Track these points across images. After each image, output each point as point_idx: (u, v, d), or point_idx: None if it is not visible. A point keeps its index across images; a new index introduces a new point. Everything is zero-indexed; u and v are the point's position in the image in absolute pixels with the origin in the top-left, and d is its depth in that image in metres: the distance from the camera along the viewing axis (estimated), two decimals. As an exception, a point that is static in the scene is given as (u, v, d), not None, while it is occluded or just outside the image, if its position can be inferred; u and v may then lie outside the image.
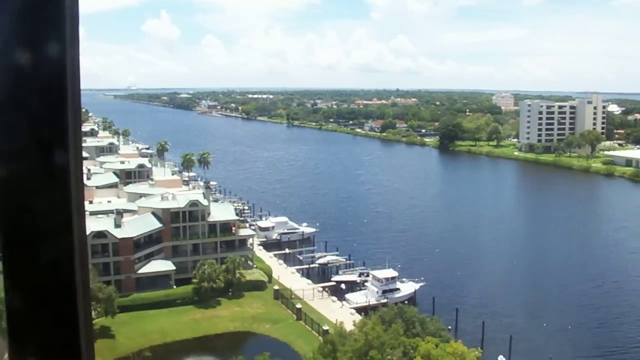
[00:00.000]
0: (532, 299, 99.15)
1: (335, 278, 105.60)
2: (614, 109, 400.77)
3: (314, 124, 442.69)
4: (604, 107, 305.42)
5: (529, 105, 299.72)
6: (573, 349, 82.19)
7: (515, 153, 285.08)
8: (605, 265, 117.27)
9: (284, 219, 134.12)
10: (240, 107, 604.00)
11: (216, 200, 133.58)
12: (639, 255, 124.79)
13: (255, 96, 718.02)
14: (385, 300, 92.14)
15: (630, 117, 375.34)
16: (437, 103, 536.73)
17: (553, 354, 76.42)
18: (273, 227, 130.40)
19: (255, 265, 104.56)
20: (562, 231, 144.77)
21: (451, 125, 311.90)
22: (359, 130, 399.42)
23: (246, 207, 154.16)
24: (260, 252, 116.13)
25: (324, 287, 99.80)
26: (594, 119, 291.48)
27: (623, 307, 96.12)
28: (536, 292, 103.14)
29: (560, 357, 77.11)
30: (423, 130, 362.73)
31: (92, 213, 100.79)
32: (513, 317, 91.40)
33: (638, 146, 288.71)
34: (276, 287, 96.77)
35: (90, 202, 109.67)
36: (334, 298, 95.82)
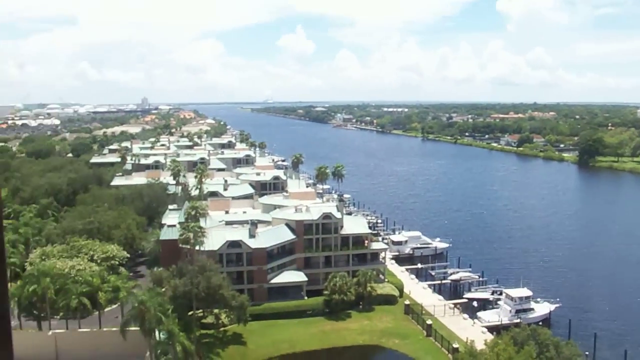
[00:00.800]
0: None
1: (468, 295, 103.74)
2: None
3: (449, 137, 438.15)
4: None
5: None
6: None
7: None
8: None
9: (417, 233, 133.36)
10: (374, 121, 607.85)
11: (349, 213, 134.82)
12: None
13: (390, 109, 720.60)
14: (518, 320, 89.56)
15: None
16: (577, 117, 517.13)
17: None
18: (406, 241, 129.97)
19: (386, 279, 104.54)
20: None
21: (591, 139, 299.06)
22: (494, 144, 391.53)
23: (379, 221, 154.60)
24: (392, 266, 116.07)
25: (455, 304, 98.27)
26: None
27: None
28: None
29: None
30: (561, 145, 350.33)
31: (228, 223, 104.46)
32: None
33: None
34: (407, 302, 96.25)
35: (227, 212, 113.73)
36: (465, 315, 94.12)
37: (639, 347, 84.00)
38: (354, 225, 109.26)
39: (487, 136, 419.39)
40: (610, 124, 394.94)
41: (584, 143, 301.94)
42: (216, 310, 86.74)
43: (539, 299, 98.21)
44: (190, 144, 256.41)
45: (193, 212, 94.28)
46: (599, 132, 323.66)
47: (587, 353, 77.12)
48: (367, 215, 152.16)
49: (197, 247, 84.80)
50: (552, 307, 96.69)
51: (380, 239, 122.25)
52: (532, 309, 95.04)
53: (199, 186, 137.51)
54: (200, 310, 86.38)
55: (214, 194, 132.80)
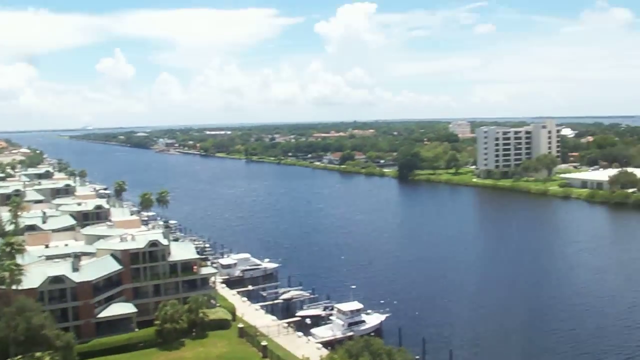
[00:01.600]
0: (500, 326, 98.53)
1: (300, 313, 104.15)
2: (568, 132, 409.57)
3: (272, 158, 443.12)
4: (557, 131, 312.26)
5: (486, 131, 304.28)
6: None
7: (474, 179, 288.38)
8: (572, 286, 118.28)
9: (246, 255, 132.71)
10: (198, 144, 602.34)
11: (176, 240, 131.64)
12: (607, 275, 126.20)
13: (213, 133, 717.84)
14: (351, 333, 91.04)
15: (583, 140, 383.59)
16: (395, 133, 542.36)
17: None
18: (235, 264, 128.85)
19: (218, 304, 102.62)
20: (526, 255, 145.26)
21: (409, 154, 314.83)
22: (317, 163, 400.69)
23: (207, 245, 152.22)
24: (223, 290, 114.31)
25: (289, 323, 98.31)
26: (549, 143, 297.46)
27: (591, 330, 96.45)
28: (504, 317, 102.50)
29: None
30: (382, 161, 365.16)
31: (49, 257, 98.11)
32: (480, 345, 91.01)
33: (592, 168, 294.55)
34: (240, 325, 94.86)
35: (47, 246, 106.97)
36: (300, 333, 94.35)
37: (462, 348, 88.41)
38: (182, 251, 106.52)
39: (309, 155, 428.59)
40: (426, 139, 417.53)
41: (403, 158, 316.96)
42: (38, 354, 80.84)
43: (369, 311, 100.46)
44: (2, 175, 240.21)
45: (8, 249, 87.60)
46: (416, 147, 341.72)
47: (417, 357, 79.83)
48: (195, 240, 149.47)
49: (14, 287, 78.80)
50: (383, 317, 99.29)
51: (209, 263, 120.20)
52: (364, 321, 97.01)
53: (14, 220, 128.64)
54: (19, 356, 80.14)
55: (31, 227, 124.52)
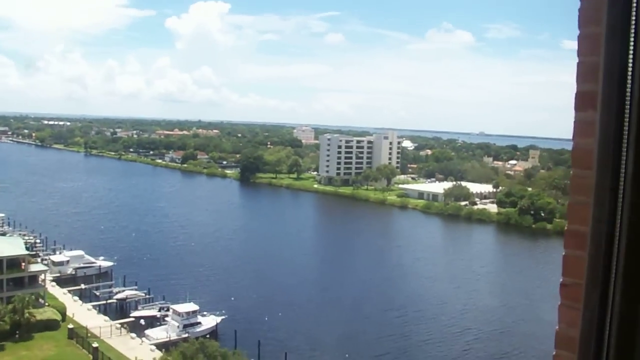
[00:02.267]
0: (336, 330, 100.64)
1: (134, 313, 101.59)
2: (408, 144, 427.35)
3: (113, 153, 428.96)
4: (399, 142, 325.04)
5: (329, 139, 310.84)
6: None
7: (315, 185, 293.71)
8: (407, 293, 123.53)
9: (80, 252, 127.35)
10: (34, 134, 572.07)
11: (4, 234, 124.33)
12: (436, 283, 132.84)
13: (52, 123, 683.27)
14: (186, 335, 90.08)
15: (422, 153, 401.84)
16: (239, 135, 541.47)
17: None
18: (68, 261, 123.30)
19: (47, 303, 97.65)
20: (364, 262, 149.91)
21: (252, 157, 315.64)
22: (159, 160, 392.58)
23: (38, 241, 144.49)
24: (53, 289, 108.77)
25: (122, 324, 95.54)
26: (390, 153, 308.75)
27: (424, 335, 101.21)
28: (340, 322, 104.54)
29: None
30: (224, 162, 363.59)
31: None
32: (316, 349, 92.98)
33: (429, 180, 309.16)
34: (71, 326, 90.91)
35: None
36: (133, 335, 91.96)
37: (297, 351, 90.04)
38: (9, 246, 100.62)
39: (152, 152, 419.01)
40: (269, 143, 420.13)
41: (246, 160, 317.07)
42: None
43: (205, 313, 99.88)
44: None
45: None
46: (260, 150, 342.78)
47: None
48: (25, 235, 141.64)
49: None
50: (219, 319, 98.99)
51: (39, 260, 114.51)
52: (200, 323, 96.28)
53: None
54: None
55: None
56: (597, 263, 2.72)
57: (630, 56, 2.60)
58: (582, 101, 3.23)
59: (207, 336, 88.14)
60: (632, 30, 2.59)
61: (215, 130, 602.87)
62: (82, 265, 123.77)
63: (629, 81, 2.58)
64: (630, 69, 2.57)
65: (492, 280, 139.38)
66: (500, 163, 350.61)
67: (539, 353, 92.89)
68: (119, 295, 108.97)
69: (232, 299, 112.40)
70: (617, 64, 2.63)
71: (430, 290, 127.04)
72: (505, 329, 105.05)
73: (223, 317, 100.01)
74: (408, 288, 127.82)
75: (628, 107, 2.59)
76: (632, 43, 2.58)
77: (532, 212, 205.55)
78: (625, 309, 2.59)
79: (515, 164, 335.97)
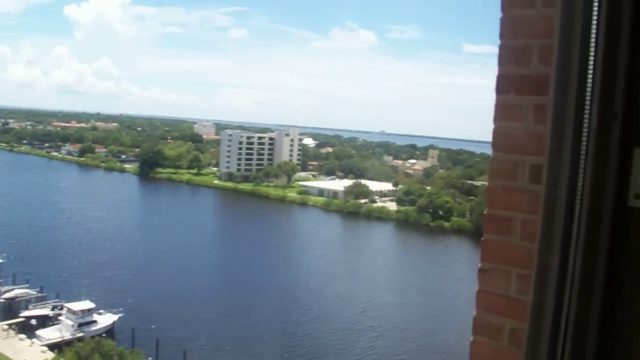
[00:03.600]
0: (237, 328, 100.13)
1: (24, 313, 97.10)
2: (309, 142, 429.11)
3: (4, 145, 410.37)
4: (300, 140, 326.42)
5: (230, 135, 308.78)
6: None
7: (215, 181, 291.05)
8: (309, 291, 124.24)
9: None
10: None
11: None
12: (337, 280, 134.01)
13: None
14: (81, 334, 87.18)
15: (322, 150, 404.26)
16: (139, 129, 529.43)
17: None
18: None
19: None
20: (265, 259, 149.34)
21: (152, 152, 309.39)
22: (55, 153, 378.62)
23: None
24: None
25: (10, 325, 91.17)
26: (291, 150, 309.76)
27: (327, 333, 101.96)
28: (242, 320, 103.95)
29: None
30: (123, 156, 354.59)
31: None
32: (217, 348, 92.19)
33: (329, 177, 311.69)
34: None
35: None
36: (23, 336, 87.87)
37: (196, 350, 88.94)
38: None
39: (47, 145, 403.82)
40: (170, 137, 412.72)
41: (145, 155, 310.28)
42: None
43: (102, 311, 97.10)
44: None
45: None
46: (160, 145, 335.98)
47: (150, 359, 78.65)
48: None
49: None
50: (116, 317, 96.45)
51: None
52: (95, 321, 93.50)
53: None
54: None
55: None
56: (552, 224, 2.65)
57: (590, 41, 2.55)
58: (503, 84, 3.22)
59: (104, 335, 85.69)
60: (589, 15, 2.55)
61: (114, 124, 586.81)
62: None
63: (587, 63, 2.55)
64: (591, 51, 2.53)
65: (392, 277, 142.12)
66: (400, 162, 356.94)
67: (439, 348, 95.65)
68: (8, 295, 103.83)
69: (130, 296, 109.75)
70: (577, 45, 2.59)
71: (331, 288, 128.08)
72: (407, 325, 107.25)
73: (120, 314, 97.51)
74: (309, 286, 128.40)
75: (589, 90, 2.54)
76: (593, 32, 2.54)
77: (430, 210, 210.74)
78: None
79: (414, 163, 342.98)
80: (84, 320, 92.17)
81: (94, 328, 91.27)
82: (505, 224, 3.09)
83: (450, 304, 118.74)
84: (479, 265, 3.22)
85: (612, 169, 2.45)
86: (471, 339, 3.22)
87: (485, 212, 3.24)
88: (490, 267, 3.20)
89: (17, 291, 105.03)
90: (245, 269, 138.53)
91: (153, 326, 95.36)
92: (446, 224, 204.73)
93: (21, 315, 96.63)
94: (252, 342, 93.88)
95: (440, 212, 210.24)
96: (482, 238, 3.22)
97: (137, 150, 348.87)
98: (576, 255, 2.50)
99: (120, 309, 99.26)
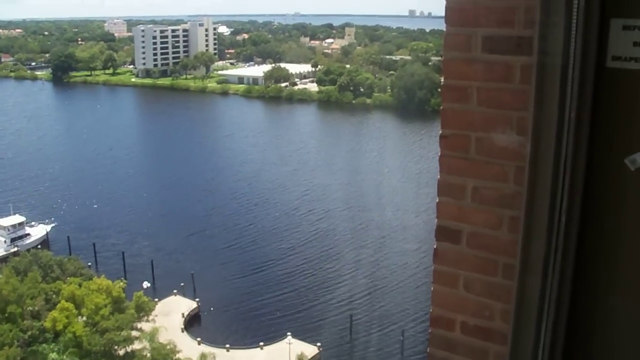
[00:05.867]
0: (176, 226, 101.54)
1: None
2: (224, 30, 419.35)
3: None
4: (214, 29, 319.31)
5: (143, 30, 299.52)
6: (208, 264, 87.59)
7: (133, 79, 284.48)
8: (245, 181, 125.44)
9: None
10: None
11: None
12: (274, 167, 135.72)
13: None
14: (15, 249, 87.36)
15: (239, 37, 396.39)
16: (46, 33, 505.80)
17: (194, 270, 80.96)
18: None
19: None
20: (194, 154, 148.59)
21: (63, 56, 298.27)
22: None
23: None
24: None
25: None
26: (207, 40, 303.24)
27: (270, 222, 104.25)
28: (180, 219, 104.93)
29: (201, 273, 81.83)
30: (33, 64, 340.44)
31: None
32: (151, 243, 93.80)
33: (248, 64, 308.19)
34: None
35: None
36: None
37: (133, 247, 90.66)
38: None
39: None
40: (80, 39, 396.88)
41: (56, 60, 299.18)
42: None
43: (33, 223, 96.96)
44: None
45: None
46: (70, 48, 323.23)
47: (89, 264, 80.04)
48: None
49: None
50: (48, 227, 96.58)
51: None
52: (29, 234, 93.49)
53: None
54: None
55: None
56: (548, 88, 2.94)
57: None
58: None
59: (39, 247, 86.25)
60: None
61: (18, 30, 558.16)
62: None
63: None
64: None
65: (325, 159, 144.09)
66: (317, 42, 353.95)
67: (379, 224, 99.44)
68: None
69: (61, 205, 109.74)
70: None
71: (266, 175, 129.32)
72: (346, 205, 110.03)
73: (53, 224, 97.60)
74: (244, 175, 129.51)
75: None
76: None
77: (351, 88, 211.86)
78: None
79: (332, 43, 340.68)
80: (16, 235, 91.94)
81: (27, 241, 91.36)
82: (463, 92, 3.34)
83: (386, 180, 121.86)
84: (440, 132, 3.46)
85: (594, 37, 2.77)
86: (437, 200, 3.51)
87: (442, 83, 3.46)
88: (451, 133, 3.43)
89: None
90: (174, 166, 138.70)
91: (86, 233, 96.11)
92: (368, 101, 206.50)
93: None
94: (194, 241, 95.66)
95: (362, 89, 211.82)
96: (441, 107, 3.44)
97: (47, 55, 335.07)
98: (570, 111, 2.83)
99: (52, 219, 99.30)
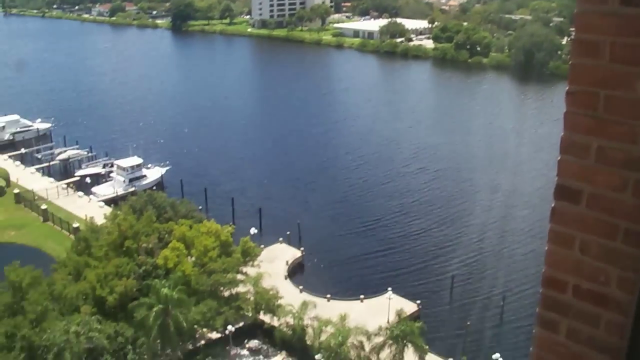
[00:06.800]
0: (288, 175, 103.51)
1: (79, 173, 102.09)
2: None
3: (35, 11, 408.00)
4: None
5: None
6: (315, 216, 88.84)
7: (249, 30, 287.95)
8: (357, 135, 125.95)
9: (15, 117, 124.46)
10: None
11: None
12: (389, 124, 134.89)
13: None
14: (133, 189, 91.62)
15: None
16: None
17: (301, 220, 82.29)
18: (3, 127, 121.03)
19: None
20: (310, 105, 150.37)
21: (182, 5, 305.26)
22: (86, 15, 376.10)
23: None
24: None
25: (68, 184, 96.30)
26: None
27: (381, 177, 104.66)
28: (293, 168, 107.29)
29: (307, 224, 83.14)
30: (154, 12, 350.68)
31: None
32: (261, 191, 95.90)
33: (364, 18, 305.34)
34: (16, 191, 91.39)
35: None
36: (80, 193, 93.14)
37: (243, 194, 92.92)
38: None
39: (77, 7, 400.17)
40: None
41: (176, 8, 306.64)
42: None
43: (150, 165, 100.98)
44: None
45: None
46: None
47: (200, 207, 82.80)
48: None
49: None
50: (164, 170, 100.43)
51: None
52: (145, 176, 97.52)
53: None
54: None
55: None
56: None
57: None
58: None
59: (154, 188, 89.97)
60: None
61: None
62: (19, 129, 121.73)
63: None
64: None
65: (439, 118, 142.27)
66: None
67: (496, 184, 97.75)
68: (61, 156, 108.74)
69: (175, 149, 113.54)
70: None
71: (382, 131, 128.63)
72: (458, 166, 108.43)
73: (167, 167, 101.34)
74: (360, 130, 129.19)
75: None
76: None
77: (468, 46, 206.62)
78: None
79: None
80: (134, 176, 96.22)
81: (144, 182, 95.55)
82: (594, 47, 3.19)
83: (501, 143, 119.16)
84: (567, 88, 3.35)
85: None
86: (558, 157, 3.41)
87: (573, 37, 3.35)
88: (579, 89, 3.32)
89: (70, 152, 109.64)
90: (288, 117, 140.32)
91: (199, 177, 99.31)
92: (485, 60, 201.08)
93: (76, 174, 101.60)
94: (303, 192, 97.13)
95: (478, 48, 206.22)
96: (570, 62, 3.35)
97: (167, 4, 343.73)
98: None
99: (167, 162, 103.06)
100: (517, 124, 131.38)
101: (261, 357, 58.42)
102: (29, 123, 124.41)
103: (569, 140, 3.37)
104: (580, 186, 3.35)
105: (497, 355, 54.24)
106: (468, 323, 61.96)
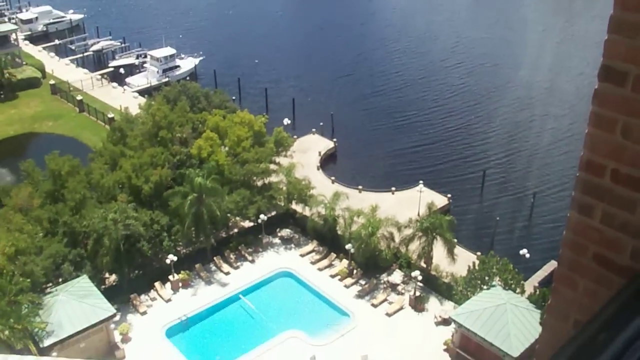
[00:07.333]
0: (327, 73, 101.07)
1: (113, 63, 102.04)
2: None
3: None
4: None
5: None
6: (348, 108, 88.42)
7: None
8: (391, 28, 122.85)
9: (48, 7, 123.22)
10: None
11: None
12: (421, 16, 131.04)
13: None
14: (166, 79, 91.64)
15: None
16: None
17: (334, 112, 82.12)
18: (36, 18, 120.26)
19: (24, 62, 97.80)
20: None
21: None
22: None
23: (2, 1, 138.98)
24: (27, 47, 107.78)
25: (102, 75, 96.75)
26: None
27: (417, 70, 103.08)
28: (329, 64, 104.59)
29: (341, 115, 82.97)
30: None
31: None
32: (295, 83, 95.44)
33: None
34: (52, 82, 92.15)
35: None
36: (115, 84, 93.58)
37: (277, 84, 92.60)
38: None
39: None
40: None
41: None
42: None
43: (183, 56, 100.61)
44: None
45: None
46: None
47: (233, 98, 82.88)
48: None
49: None
50: (197, 61, 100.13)
51: (6, 19, 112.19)
52: (178, 66, 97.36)
53: None
54: None
55: None
56: None
57: None
58: None
59: (187, 78, 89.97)
60: None
61: None
62: (52, 20, 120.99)
63: None
64: None
65: (479, 11, 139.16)
66: None
67: (534, 81, 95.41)
68: (95, 47, 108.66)
69: (208, 40, 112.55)
70: None
71: (420, 23, 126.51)
72: (496, 62, 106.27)
73: (201, 57, 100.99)
74: (398, 23, 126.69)
75: None
76: None
77: None
78: None
79: None
80: (167, 66, 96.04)
81: (177, 72, 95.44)
82: None
83: (542, 40, 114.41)
84: None
85: None
86: (605, 37, 3.26)
87: None
88: None
89: (103, 43, 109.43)
90: (325, 8, 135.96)
91: (232, 68, 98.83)
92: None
93: (110, 65, 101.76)
94: (338, 84, 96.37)
95: None
96: None
97: None
98: None
99: (201, 52, 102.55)
100: (561, 21, 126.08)
101: (292, 245, 59.66)
102: (62, 14, 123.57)
103: (619, 19, 3.17)
104: (627, 67, 3.19)
105: (524, 250, 54.82)
106: (497, 219, 62.32)
